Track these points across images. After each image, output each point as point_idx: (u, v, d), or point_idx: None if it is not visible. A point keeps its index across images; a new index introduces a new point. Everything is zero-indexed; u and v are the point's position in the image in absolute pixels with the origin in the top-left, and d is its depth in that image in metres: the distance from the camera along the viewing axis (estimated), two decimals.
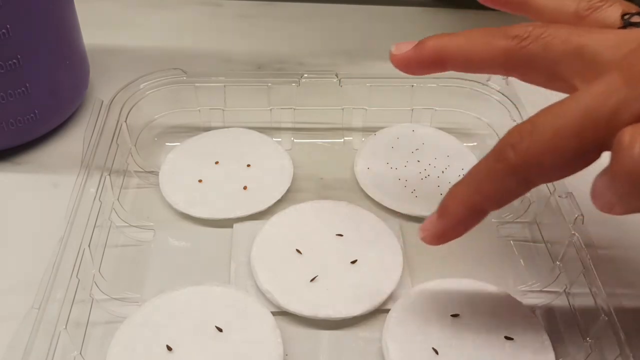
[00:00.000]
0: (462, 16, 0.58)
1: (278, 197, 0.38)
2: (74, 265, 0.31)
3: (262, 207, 0.38)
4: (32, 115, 0.40)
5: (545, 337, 0.31)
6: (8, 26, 0.36)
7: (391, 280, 0.33)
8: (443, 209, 0.28)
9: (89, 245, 0.32)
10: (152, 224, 0.37)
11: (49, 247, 0.31)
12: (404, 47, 0.30)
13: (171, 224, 0.37)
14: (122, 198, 0.37)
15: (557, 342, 0.31)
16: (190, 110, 0.42)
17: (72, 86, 0.43)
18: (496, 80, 0.42)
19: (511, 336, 0.31)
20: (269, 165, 0.40)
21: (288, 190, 0.39)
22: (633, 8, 0.28)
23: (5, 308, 0.32)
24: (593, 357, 0.30)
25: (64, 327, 0.29)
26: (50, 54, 0.40)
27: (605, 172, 0.23)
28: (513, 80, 0.41)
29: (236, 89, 0.42)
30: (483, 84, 0.42)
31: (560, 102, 0.24)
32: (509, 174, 0.25)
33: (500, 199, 0.26)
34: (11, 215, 0.38)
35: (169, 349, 0.30)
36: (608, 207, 0.23)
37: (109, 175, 0.36)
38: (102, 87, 0.47)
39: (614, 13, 0.28)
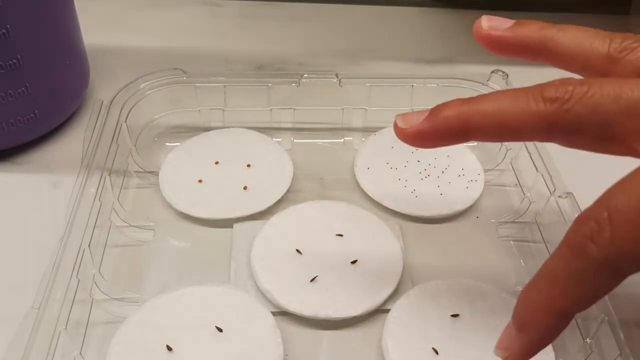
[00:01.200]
0: (462, 16, 0.58)
1: (278, 197, 0.38)
2: (74, 265, 0.31)
3: (262, 207, 0.38)
4: (32, 115, 0.40)
5: None
6: (8, 26, 0.36)
7: (391, 280, 0.33)
8: (521, 320, 0.24)
9: (89, 245, 0.32)
10: (152, 224, 0.37)
11: (49, 247, 0.32)
12: (414, 120, 0.27)
13: (171, 224, 0.37)
14: (122, 198, 0.37)
15: (557, 342, 0.31)
16: (190, 110, 0.42)
17: (72, 86, 0.43)
18: (496, 80, 0.42)
19: None
20: (269, 165, 0.40)
21: (288, 190, 0.39)
22: None
23: (5, 308, 0.32)
24: (593, 357, 0.30)
25: (64, 327, 0.29)
26: (50, 54, 0.40)
27: None
28: (513, 79, 0.42)
29: (236, 89, 0.42)
30: (483, 84, 0.42)
31: (632, 176, 0.22)
32: (598, 271, 0.22)
33: (591, 300, 0.23)
34: (11, 215, 0.38)
35: (169, 349, 0.30)
36: None
37: (109, 175, 0.36)
38: (102, 87, 0.47)
39: None
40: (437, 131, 0.26)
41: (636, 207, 0.21)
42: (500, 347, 0.25)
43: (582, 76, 0.27)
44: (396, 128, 0.27)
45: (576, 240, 0.22)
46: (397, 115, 0.27)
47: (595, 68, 0.26)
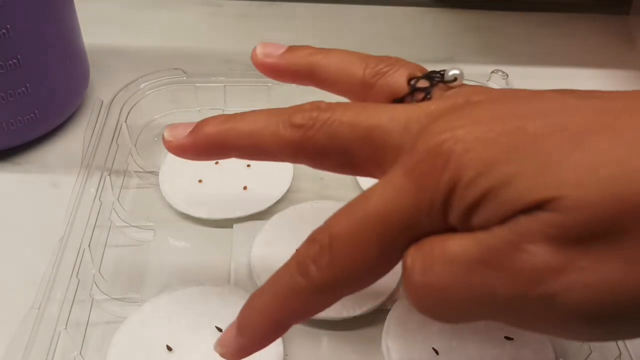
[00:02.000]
0: (462, 16, 0.58)
1: (278, 197, 0.38)
2: (74, 265, 0.31)
3: (262, 207, 0.38)
4: (32, 115, 0.40)
5: (546, 337, 0.31)
6: (8, 26, 0.36)
7: (391, 280, 0.33)
8: (243, 324, 0.24)
9: (89, 245, 0.32)
10: (152, 224, 0.37)
11: (49, 247, 0.32)
12: (179, 133, 0.27)
13: (171, 224, 0.37)
14: (122, 198, 0.37)
15: (557, 342, 0.31)
16: (190, 110, 0.42)
17: (72, 86, 0.43)
18: (496, 80, 0.42)
19: (511, 336, 0.31)
20: (269, 165, 0.40)
21: (288, 190, 0.39)
22: (419, 70, 0.26)
23: (5, 308, 0.32)
24: (593, 357, 0.30)
25: (64, 327, 0.29)
26: (50, 54, 0.40)
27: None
28: (513, 80, 0.42)
29: (236, 89, 0.42)
30: (483, 84, 0.42)
31: (354, 205, 0.22)
32: (315, 291, 0.22)
33: (307, 314, 0.23)
34: (11, 215, 0.38)
35: (169, 349, 0.30)
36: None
37: (109, 175, 0.36)
38: (102, 87, 0.47)
39: (400, 78, 0.26)
40: (198, 147, 0.26)
41: (352, 234, 0.21)
42: (219, 344, 0.25)
43: (349, 100, 0.27)
44: (163, 140, 0.27)
45: (302, 258, 0.22)
46: (166, 127, 0.27)
47: (356, 94, 0.27)
